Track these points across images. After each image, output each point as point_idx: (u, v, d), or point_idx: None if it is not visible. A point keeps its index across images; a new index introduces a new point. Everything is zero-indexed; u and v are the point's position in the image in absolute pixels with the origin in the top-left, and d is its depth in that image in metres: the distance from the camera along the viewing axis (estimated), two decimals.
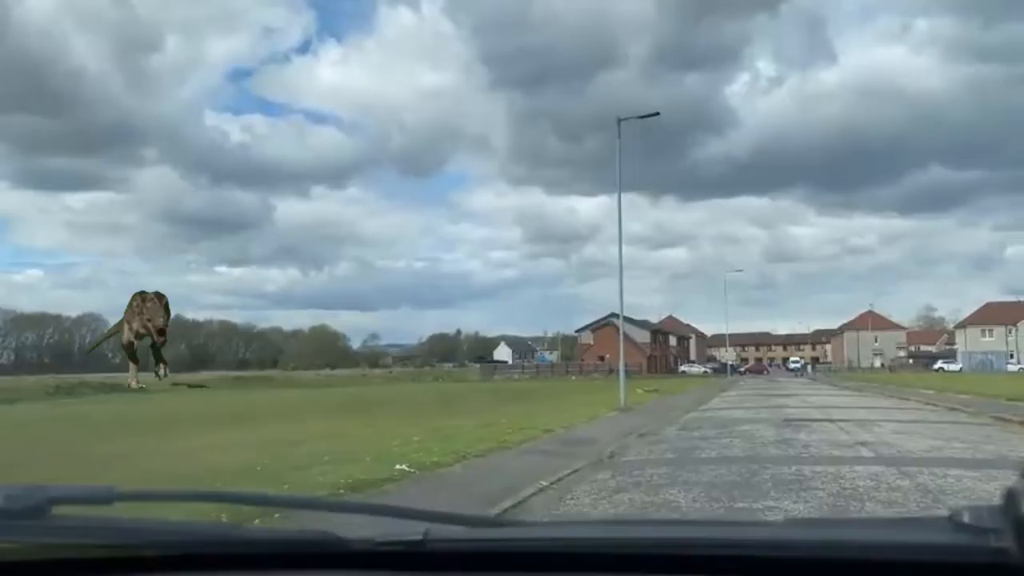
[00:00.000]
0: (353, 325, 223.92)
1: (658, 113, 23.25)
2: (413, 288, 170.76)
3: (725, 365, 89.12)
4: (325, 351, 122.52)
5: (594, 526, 1.78)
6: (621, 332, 23.89)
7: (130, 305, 53.53)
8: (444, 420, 17.05)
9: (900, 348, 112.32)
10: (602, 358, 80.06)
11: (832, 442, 11.90)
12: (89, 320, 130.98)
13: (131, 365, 53.98)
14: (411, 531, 1.14)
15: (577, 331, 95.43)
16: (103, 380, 54.37)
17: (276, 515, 4.19)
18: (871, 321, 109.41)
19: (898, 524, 1.38)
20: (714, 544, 1.13)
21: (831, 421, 16.14)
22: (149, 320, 52.15)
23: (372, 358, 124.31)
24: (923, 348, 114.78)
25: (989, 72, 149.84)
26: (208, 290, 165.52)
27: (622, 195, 21.68)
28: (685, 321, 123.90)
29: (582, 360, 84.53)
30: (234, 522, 2.60)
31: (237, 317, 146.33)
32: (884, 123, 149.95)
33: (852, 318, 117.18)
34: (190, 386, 51.51)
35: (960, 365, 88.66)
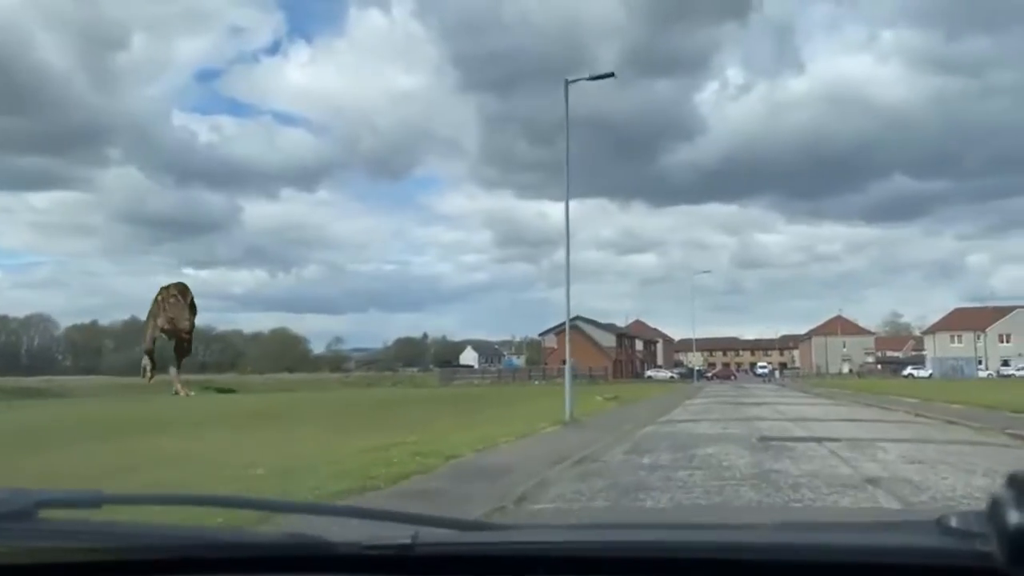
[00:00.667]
0: (320, 328, 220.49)
1: (612, 74, 19.99)
2: (382, 291, 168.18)
3: (692, 370, 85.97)
4: (285, 354, 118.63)
5: (584, 530, 1.65)
6: (568, 334, 20.56)
7: (156, 300, 47.52)
8: (341, 437, 13.53)
9: (868, 354, 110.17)
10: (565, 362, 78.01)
11: (831, 479, 8.44)
12: (38, 321, 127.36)
13: (147, 362, 48.05)
14: (399, 534, 1.17)
15: (541, 334, 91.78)
16: (27, 385, 49.94)
17: (264, 519, 3.37)
18: (840, 326, 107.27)
19: (886, 528, 1.42)
20: (704, 548, 1.15)
21: (817, 441, 12.74)
22: (172, 319, 45.51)
23: (335, 362, 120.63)
24: (889, 354, 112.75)
25: (952, 84, 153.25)
26: None
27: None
28: (653, 325, 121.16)
29: (546, 364, 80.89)
30: (221, 526, 2.33)
31: (203, 319, 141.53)
32: (851, 132, 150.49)
33: (820, 323, 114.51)
34: (219, 390, 47.57)
35: (930, 371, 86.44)
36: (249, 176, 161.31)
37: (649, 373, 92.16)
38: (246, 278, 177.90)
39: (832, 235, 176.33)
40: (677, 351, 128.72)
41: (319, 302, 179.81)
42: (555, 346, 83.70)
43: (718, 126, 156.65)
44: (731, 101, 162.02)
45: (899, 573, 1.00)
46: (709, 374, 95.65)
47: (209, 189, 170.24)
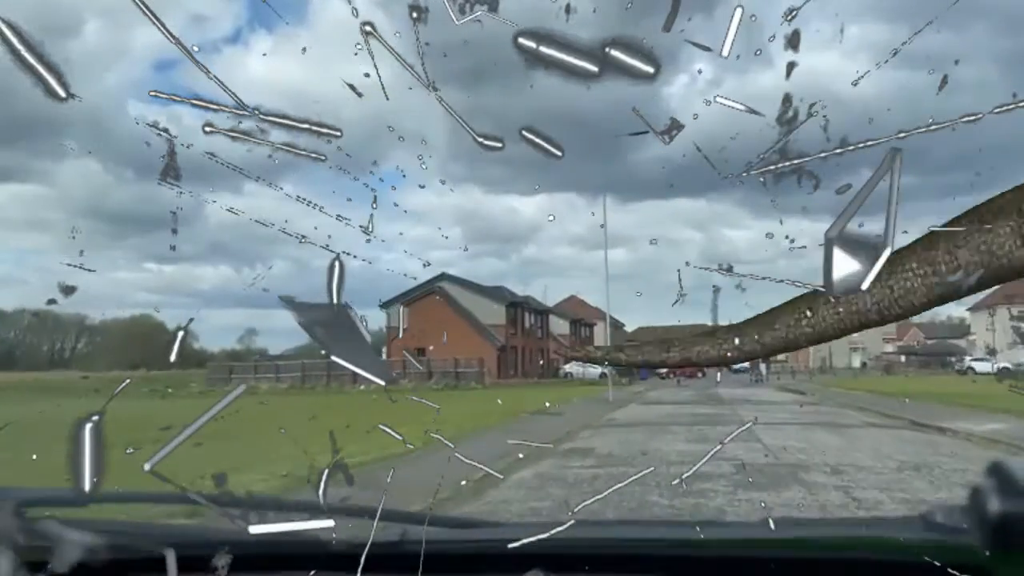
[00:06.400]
0: (287, 326, 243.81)
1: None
2: (349, 289, 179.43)
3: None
4: (139, 347, 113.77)
5: (580, 527, 1.79)
6: None
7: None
8: None
9: (888, 341, 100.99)
10: (422, 350, 57.46)
11: None
12: None
13: None
14: (394, 532, 1.40)
15: (382, 306, 60.56)
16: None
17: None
18: None
19: (872, 524, 1.61)
20: (697, 544, 1.37)
21: None
22: None
23: (227, 358, 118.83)
24: (892, 343, 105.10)
25: (916, 79, 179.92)
26: (137, 287, 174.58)
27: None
28: (601, 309, 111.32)
29: (388, 353, 56.71)
30: (212, 524, 2.05)
31: (166, 316, 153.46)
32: (817, 127, 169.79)
33: None
34: None
35: (1002, 364, 68.56)
36: (211, 169, 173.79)
37: (568, 368, 75.98)
38: (211, 274, 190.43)
39: (799, 230, 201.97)
40: (631, 340, 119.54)
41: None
42: (405, 325, 60.61)
43: (687, 121, 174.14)
44: (699, 96, 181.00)
45: (884, 568, 1.17)
46: (664, 370, 79.75)
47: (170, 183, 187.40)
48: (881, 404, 32.78)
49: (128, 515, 1.51)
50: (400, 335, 59.19)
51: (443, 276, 59.13)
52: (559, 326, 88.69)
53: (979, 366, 69.62)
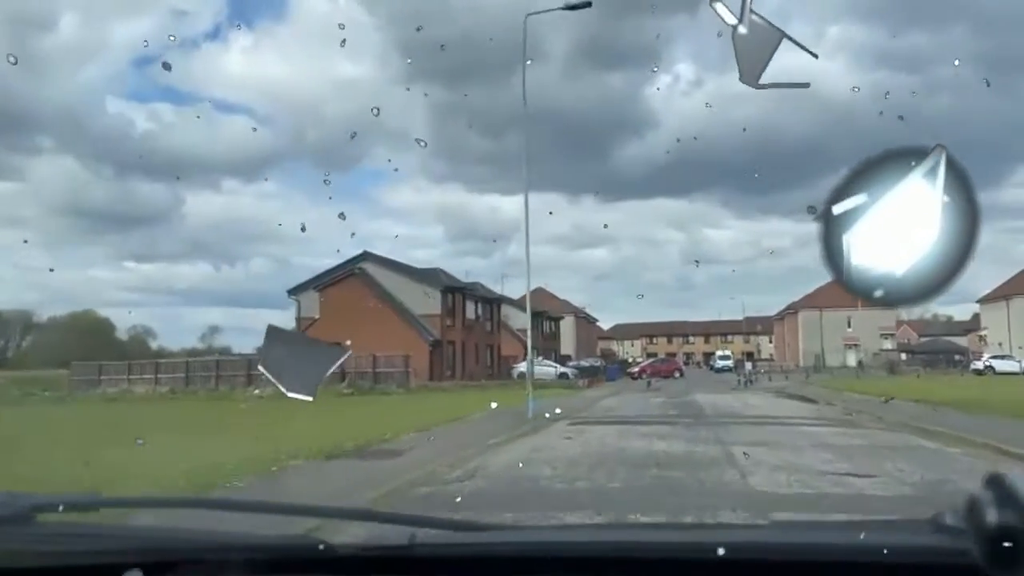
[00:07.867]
0: (254, 325, 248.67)
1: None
2: None
3: (590, 364, 67.19)
4: (75, 344, 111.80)
5: (580, 530, 2.08)
6: None
7: None
8: None
9: (886, 336, 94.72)
10: (336, 346, 46.29)
11: None
12: None
13: None
14: (397, 535, 1.41)
15: (291, 292, 61.66)
16: None
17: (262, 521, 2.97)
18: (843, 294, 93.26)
19: (879, 526, 1.70)
20: (699, 548, 1.37)
21: None
22: None
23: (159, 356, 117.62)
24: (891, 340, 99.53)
25: (896, 80, 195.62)
26: (116, 286, 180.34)
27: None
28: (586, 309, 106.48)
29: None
30: (219, 528, 2.19)
31: (148, 315, 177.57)
32: (798, 128, 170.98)
33: (810, 292, 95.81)
34: None
35: None
36: (190, 167, 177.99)
37: (521, 368, 64.16)
38: (189, 272, 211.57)
39: (779, 231, 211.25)
40: (606, 338, 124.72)
41: (266, 297, 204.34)
42: (315, 315, 55.37)
43: (669, 121, 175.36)
44: (682, 96, 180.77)
45: (888, 571, 1.21)
46: (635, 370, 76.47)
47: (148, 180, 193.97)
48: (959, 423, 21.42)
49: (138, 520, 1.70)
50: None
51: (365, 255, 53.92)
52: (521, 320, 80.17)
53: (1000, 365, 64.08)
